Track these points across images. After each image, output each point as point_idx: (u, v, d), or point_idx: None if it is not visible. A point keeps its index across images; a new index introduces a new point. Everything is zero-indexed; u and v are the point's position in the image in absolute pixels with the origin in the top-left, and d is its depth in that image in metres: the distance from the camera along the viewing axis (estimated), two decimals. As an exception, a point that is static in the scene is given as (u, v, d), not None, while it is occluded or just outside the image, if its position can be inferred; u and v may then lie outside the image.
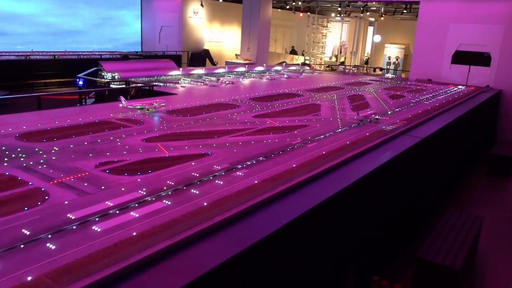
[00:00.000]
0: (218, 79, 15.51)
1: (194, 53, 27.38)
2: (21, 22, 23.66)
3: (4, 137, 6.66)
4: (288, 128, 8.43)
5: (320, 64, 32.68)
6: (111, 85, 13.52)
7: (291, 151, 6.79)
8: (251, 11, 24.69)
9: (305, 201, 4.87)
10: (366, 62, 35.18)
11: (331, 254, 5.65)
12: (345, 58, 35.14)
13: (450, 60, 19.29)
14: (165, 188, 4.87)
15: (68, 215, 4.06)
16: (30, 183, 4.83)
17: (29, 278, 2.99)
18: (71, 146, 6.39)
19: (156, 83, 13.64)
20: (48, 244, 3.49)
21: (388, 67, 31.67)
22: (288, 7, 30.10)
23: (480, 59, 18.60)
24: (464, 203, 11.31)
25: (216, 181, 5.20)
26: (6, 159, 5.64)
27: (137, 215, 4.12)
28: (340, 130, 8.56)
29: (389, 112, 10.96)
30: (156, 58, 23.40)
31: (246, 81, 16.25)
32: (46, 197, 4.48)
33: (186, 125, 8.21)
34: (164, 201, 4.50)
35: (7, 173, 5.09)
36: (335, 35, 35.84)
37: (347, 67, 31.06)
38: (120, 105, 9.61)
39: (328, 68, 30.68)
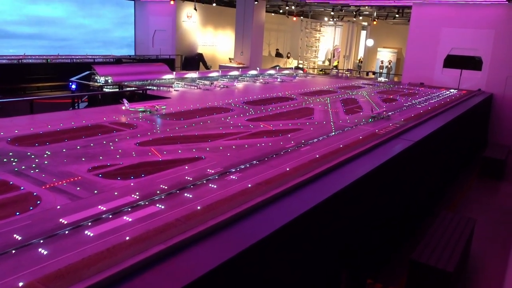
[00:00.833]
0: (211, 83, 15.51)
1: (188, 57, 27.37)
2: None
3: (-5, 142, 6.60)
4: (281, 131, 8.44)
5: (314, 68, 32.78)
6: (104, 89, 13.47)
7: (284, 154, 6.80)
8: (245, 15, 24.76)
9: (299, 204, 4.87)
10: (359, 66, 35.37)
11: (325, 257, 5.66)
12: (338, 62, 35.29)
13: (442, 64, 19.46)
14: (158, 192, 4.85)
15: (61, 220, 4.03)
16: (22, 188, 4.78)
17: (20, 284, 2.96)
18: (64, 150, 6.35)
19: (150, 87, 13.61)
20: (40, 250, 3.46)
21: (381, 71, 31.84)
22: (281, 11, 30.20)
23: (472, 63, 18.79)
24: (456, 205, 11.38)
25: (210, 185, 5.19)
26: (-3, 163, 5.59)
27: (130, 220, 4.10)
28: (333, 133, 8.59)
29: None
30: (150, 62, 23.35)
31: (239, 85, 16.26)
32: (38, 202, 4.44)
33: (179, 129, 8.19)
34: (157, 205, 4.48)
35: (-2, 178, 5.05)
36: (328, 39, 36.00)
37: (340, 71, 31.19)
38: (123, 107, 9.76)
39: (321, 72, 30.80)
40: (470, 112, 13.89)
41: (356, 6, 25.77)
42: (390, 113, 10.98)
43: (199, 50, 28.22)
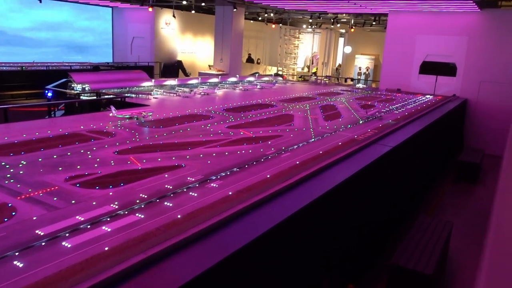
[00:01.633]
0: (191, 90, 15.46)
1: (167, 64, 27.23)
2: None
3: (-32, 152, 6.41)
4: (262, 138, 8.47)
5: (293, 75, 33.06)
6: (81, 97, 13.26)
7: (265, 161, 6.81)
8: (224, 22, 24.82)
9: (280, 211, 4.88)
10: (338, 73, 35.84)
11: (306, 263, 5.67)
12: (317, 69, 35.70)
13: (418, 70, 19.90)
14: (138, 201, 4.79)
15: (37, 231, 3.94)
16: (-4, 199, 4.66)
17: (-5, 299, 2.87)
18: (40, 159, 6.22)
19: (128, 95, 13.47)
20: (15, 262, 3.37)
21: (359, 77, 32.35)
22: (260, 18, 30.41)
23: (446, 69, 19.27)
24: (434, 209, 11.60)
25: (190, 193, 5.15)
26: (-30, 174, 5.43)
27: (109, 230, 4.03)
28: (313, 139, 8.66)
29: (361, 122, 11.18)
30: (128, 69, 23.13)
31: (219, 92, 16.26)
32: (13, 213, 4.32)
33: (159, 137, 8.12)
34: (137, 214, 4.42)
35: (-29, 189, 4.90)
36: (307, 46, 36.40)
37: (319, 77, 31.54)
38: (111, 114, 9.79)
39: (300, 79, 31.08)
40: (446, 117, 14.22)
41: (333, 13, 26.15)
42: (381, 114, 12.17)
43: (179, 57, 28.12)
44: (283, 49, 34.58)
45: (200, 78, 18.73)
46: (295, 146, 7.93)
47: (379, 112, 12.46)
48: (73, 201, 4.71)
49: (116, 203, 4.70)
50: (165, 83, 16.34)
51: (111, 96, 13.05)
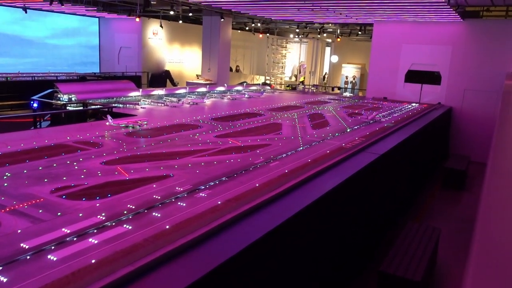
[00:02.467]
0: (179, 100, 15.43)
1: (155, 74, 27.17)
2: None
3: (-50, 164, 6.29)
4: (250, 147, 8.47)
5: (281, 84, 33.26)
6: (67, 107, 13.13)
7: (254, 170, 6.81)
8: (211, 32, 24.92)
9: (269, 219, 4.87)
10: (325, 82, 36.15)
11: (295, 271, 5.66)
12: (304, 78, 35.97)
13: (404, 79, 20.18)
14: (125, 212, 4.74)
15: (22, 244, 3.86)
16: (-20, 212, 4.56)
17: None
18: (25, 171, 6.12)
19: (116, 105, 13.38)
20: (-1, 277, 3.29)
21: (345, 86, 32.67)
22: (247, 28, 30.60)
23: (431, 77, 19.57)
24: (421, 215, 11.68)
25: (179, 203, 5.12)
26: (-48, 187, 5.32)
27: (96, 242, 3.97)
28: (301, 148, 8.70)
29: (348, 130, 11.26)
30: (115, 79, 23.00)
31: (207, 101, 16.25)
32: (-3, 226, 4.24)
33: (146, 147, 8.07)
34: (124, 225, 4.37)
35: (-47, 202, 4.79)
36: (294, 55, 36.71)
37: (306, 86, 31.77)
38: (107, 123, 9.89)
39: (288, 88, 31.26)
40: (431, 124, 14.41)
41: (320, 23, 26.45)
42: (381, 116, 13.60)
43: (166, 67, 28.09)
44: (271, 58, 34.82)
45: (188, 88, 18.71)
46: (284, 155, 7.95)
47: (377, 115, 13.55)
48: (59, 213, 4.64)
49: (103, 214, 4.64)
50: (153, 92, 16.28)
51: (98, 106, 12.95)
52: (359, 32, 27.42)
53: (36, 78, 21.57)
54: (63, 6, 20.60)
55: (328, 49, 37.68)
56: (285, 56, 35.31)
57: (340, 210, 7.02)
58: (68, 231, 4.17)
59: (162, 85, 25.70)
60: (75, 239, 4.03)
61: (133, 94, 15.24)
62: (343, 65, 34.05)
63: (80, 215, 4.62)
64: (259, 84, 26.88)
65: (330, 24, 27.36)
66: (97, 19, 28.23)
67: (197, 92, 18.39)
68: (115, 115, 11.92)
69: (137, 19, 22.61)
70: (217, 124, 10.98)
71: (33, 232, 4.15)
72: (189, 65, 29.87)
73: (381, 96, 20.61)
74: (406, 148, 11.07)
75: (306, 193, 5.96)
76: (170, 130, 9.81)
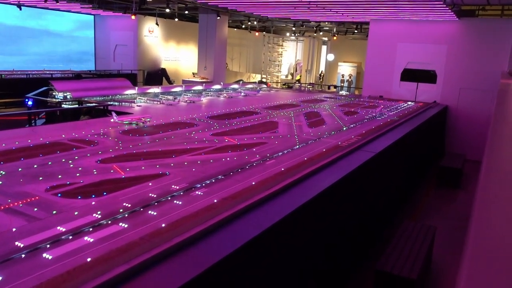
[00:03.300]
0: (175, 98, 15.39)
1: (151, 72, 27.09)
2: None
3: None
4: (246, 145, 8.46)
5: (277, 82, 33.25)
6: (63, 105, 13.06)
7: (250, 168, 6.80)
8: (207, 30, 24.85)
9: (265, 218, 4.87)
10: (321, 80, 36.18)
11: (292, 269, 5.66)
12: (300, 76, 35.97)
13: (399, 77, 20.22)
14: (121, 210, 4.72)
15: (16, 243, 3.84)
16: (-26, 210, 4.53)
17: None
18: (20, 169, 6.09)
19: (111, 103, 13.33)
20: (-7, 275, 3.27)
21: (342, 84, 32.70)
22: (244, 26, 30.55)
23: (427, 76, 19.63)
24: (417, 214, 11.72)
25: (175, 201, 5.11)
26: None
27: (91, 240, 3.96)
28: (297, 146, 8.70)
29: (344, 129, 11.27)
30: (111, 77, 22.91)
31: (203, 100, 16.22)
32: (-8, 225, 4.21)
33: (142, 145, 8.05)
34: (120, 224, 4.36)
35: None
36: (290, 53, 36.71)
37: (302, 85, 31.78)
38: (112, 120, 10.10)
39: (284, 86, 31.26)
40: (427, 123, 14.45)
41: (316, 22, 26.44)
42: (385, 113, 14.31)
43: (162, 65, 28.01)
44: (267, 56, 34.79)
45: (184, 86, 18.67)
46: (280, 153, 7.95)
47: (383, 110, 14.44)
48: (54, 212, 4.62)
49: (99, 212, 4.62)
50: (149, 90, 16.23)
51: (94, 104, 12.90)
52: (355, 31, 27.42)
53: (31, 76, 21.45)
54: (57, 4, 20.48)
55: (324, 48, 37.69)
56: (281, 54, 35.29)
57: (336, 208, 7.03)
58: (64, 230, 4.15)
59: (158, 83, 25.63)
60: (70, 237, 4.01)
61: (129, 92, 15.19)
62: (339, 63, 34.06)
63: (76, 213, 4.60)
64: (256, 82, 26.86)
65: (326, 23, 27.36)
66: (93, 16, 28.10)
67: (193, 90, 18.35)
68: (111, 113, 11.88)
69: (133, 17, 22.55)
70: (213, 122, 10.96)
71: (28, 230, 4.13)
72: (185, 63, 29.80)
73: (377, 94, 20.65)
74: (401, 146, 11.10)
75: (302, 191, 5.96)
76: (166, 128, 9.78)
